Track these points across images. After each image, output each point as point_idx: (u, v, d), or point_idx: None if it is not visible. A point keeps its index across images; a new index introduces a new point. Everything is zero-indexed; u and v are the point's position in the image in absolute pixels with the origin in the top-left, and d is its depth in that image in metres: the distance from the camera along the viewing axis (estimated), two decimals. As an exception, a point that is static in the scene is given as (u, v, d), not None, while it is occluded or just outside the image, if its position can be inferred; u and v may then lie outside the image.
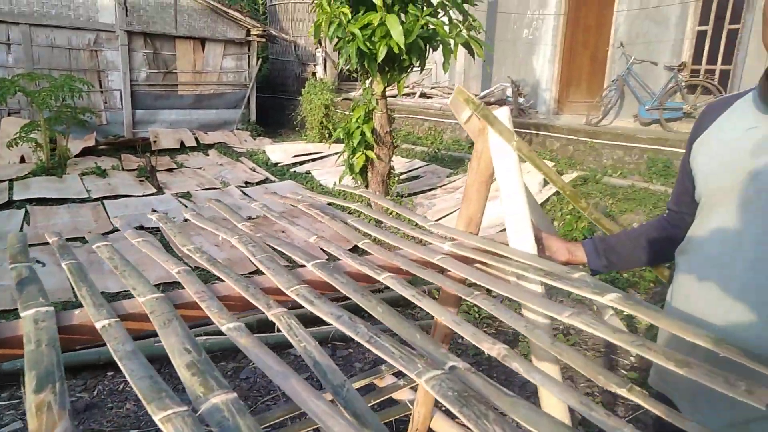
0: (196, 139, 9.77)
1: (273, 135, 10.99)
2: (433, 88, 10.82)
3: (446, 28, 4.59)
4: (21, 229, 5.13)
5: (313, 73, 11.80)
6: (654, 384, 1.28)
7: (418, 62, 4.90)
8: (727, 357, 0.75)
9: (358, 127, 5.10)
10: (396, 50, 4.31)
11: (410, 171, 7.19)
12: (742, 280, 1.05)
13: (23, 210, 5.66)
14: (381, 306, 0.98)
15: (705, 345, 0.80)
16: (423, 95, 10.86)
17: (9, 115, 8.82)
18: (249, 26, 10.66)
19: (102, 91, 9.75)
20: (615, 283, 3.93)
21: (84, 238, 4.87)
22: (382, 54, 4.37)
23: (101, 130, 9.67)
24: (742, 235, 1.06)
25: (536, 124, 8.26)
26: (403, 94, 11.15)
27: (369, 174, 5.37)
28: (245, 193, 6.60)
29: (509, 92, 9.29)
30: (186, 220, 5.51)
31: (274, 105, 12.71)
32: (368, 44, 4.44)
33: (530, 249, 1.46)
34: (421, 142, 9.07)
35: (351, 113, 5.17)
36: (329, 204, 1.99)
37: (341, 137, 5.24)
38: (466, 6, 4.85)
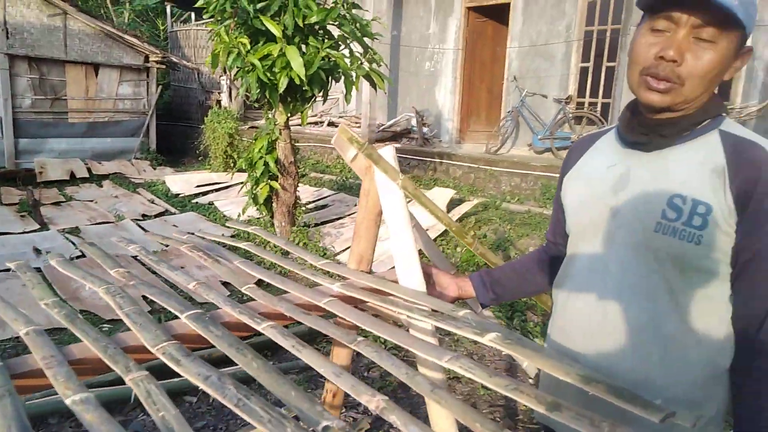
0: (89, 170, 9.15)
1: (175, 164, 10.55)
2: (340, 117, 10.91)
3: (347, 60, 4.65)
4: None
5: (218, 101, 11.52)
6: (540, 418, 1.31)
7: (321, 93, 4.91)
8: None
9: (261, 157, 5.00)
10: (297, 81, 4.30)
11: (318, 200, 7.14)
12: (610, 313, 1.09)
13: None
14: (257, 361, 0.93)
15: (575, 383, 0.82)
16: (331, 124, 10.91)
17: None
18: (147, 52, 10.24)
19: (-22, 119, 8.90)
20: (514, 305, 4.08)
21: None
22: (283, 85, 4.34)
23: (-23, 160, 8.82)
24: (606, 269, 1.11)
25: (440, 153, 8.54)
26: (311, 123, 11.16)
27: (274, 204, 5.27)
28: (142, 227, 6.23)
29: (414, 122, 9.56)
30: (74, 258, 5.10)
31: (177, 133, 12.24)
32: (269, 75, 4.39)
33: (419, 286, 1.46)
34: (330, 170, 9.08)
35: (255, 142, 5.07)
36: (222, 242, 1.90)
37: (244, 167, 5.11)
38: (367, 39, 4.95)
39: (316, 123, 11.08)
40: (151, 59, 10.27)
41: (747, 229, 0.97)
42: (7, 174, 8.53)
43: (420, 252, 1.48)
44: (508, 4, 8.52)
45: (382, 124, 9.74)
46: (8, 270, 4.85)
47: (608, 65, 7.79)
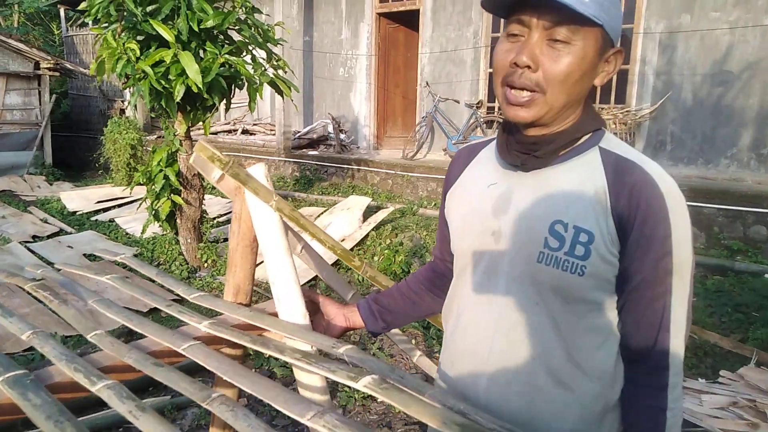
0: (-28, 188, 8.29)
1: (75, 179, 9.79)
2: (255, 124, 10.57)
3: (250, 67, 4.44)
4: None
5: (122, 110, 10.84)
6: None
7: (224, 101, 4.66)
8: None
9: (161, 170, 4.68)
10: (195, 89, 4.04)
11: (228, 213, 6.82)
12: (496, 348, 1.01)
13: None
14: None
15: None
16: (245, 132, 10.55)
17: None
18: (38, 58, 9.45)
19: None
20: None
21: None
22: (179, 93, 4.06)
23: None
24: (491, 301, 1.02)
25: (357, 159, 8.45)
26: (225, 131, 10.75)
27: (178, 221, 4.95)
28: (31, 250, 5.68)
29: (330, 128, 9.41)
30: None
31: (77, 145, 11.39)
32: (163, 82, 4.10)
33: (300, 319, 1.33)
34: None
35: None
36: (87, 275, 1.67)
37: (142, 181, 4.76)
38: (276, 45, 4.76)
39: (229, 131, 10.68)
40: (42, 66, 9.49)
41: (630, 256, 0.91)
42: None
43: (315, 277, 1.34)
44: (418, 11, 8.58)
45: (298, 131, 9.53)
46: None
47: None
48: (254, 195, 1.31)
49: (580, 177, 0.94)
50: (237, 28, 4.38)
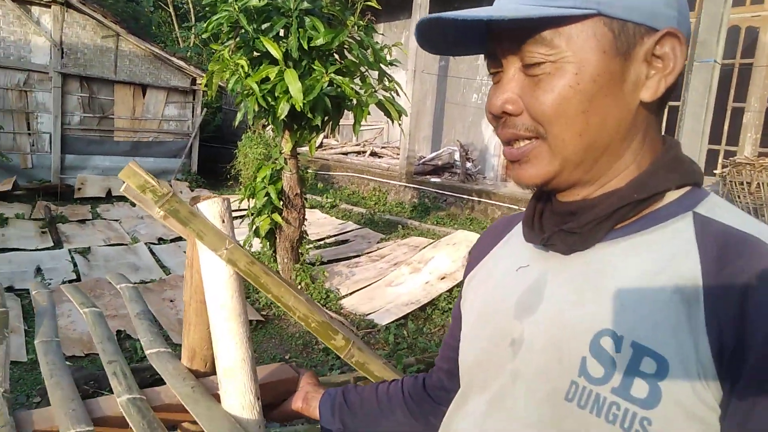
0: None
1: (216, 187, 10.50)
2: (383, 147, 10.56)
3: (358, 87, 4.24)
4: None
5: (264, 125, 11.48)
6: None
7: (330, 122, 4.53)
8: None
9: (264, 187, 4.65)
10: (298, 107, 3.92)
11: (340, 234, 6.73)
12: None
13: None
14: None
15: None
16: (373, 154, 10.58)
17: None
18: (194, 75, 10.34)
19: (30, 134, 9.20)
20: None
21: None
22: (282, 111, 3.97)
23: (26, 173, 9.08)
24: None
25: (479, 191, 7.97)
26: (355, 152, 10.87)
27: (277, 239, 4.88)
28: (152, 252, 6.03)
29: (457, 156, 9.04)
30: (66, 282, 4.90)
31: (224, 156, 12.27)
32: (269, 99, 4.05)
33: (241, 410, 0.98)
34: (364, 203, 8.68)
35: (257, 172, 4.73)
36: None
37: (245, 196, 4.77)
38: (386, 66, 4.54)
39: (358, 153, 10.79)
40: (198, 82, 10.36)
41: (745, 410, 0.49)
42: (48, 188, 8.69)
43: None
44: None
45: (423, 157, 9.29)
46: (8, 288, 4.72)
47: (671, 104, 7.01)
48: (198, 240, 0.98)
49: (652, 260, 0.57)
50: (348, 47, 4.22)
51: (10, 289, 4.60)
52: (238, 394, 1.00)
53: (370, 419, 0.93)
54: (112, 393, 1.02)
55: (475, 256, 0.81)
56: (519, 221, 0.74)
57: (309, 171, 10.10)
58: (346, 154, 10.75)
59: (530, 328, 0.63)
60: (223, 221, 1.03)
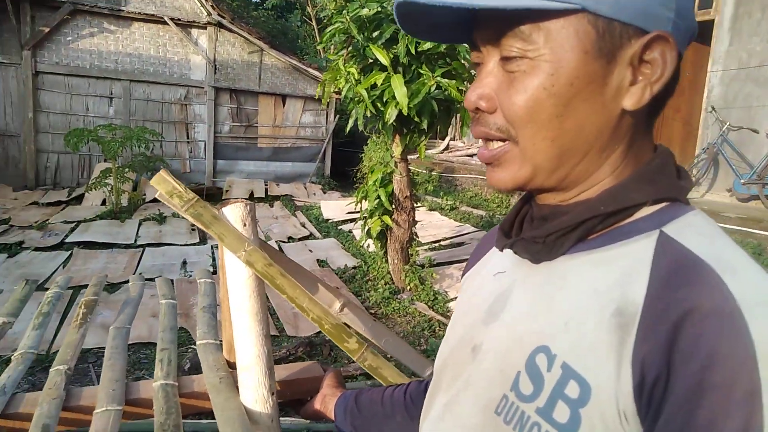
0: (266, 191, 10.01)
1: (346, 189, 10.99)
2: (510, 148, 10.28)
3: (465, 89, 4.19)
4: (54, 272, 5.37)
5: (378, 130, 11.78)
6: None
7: (442, 126, 4.53)
8: None
9: (376, 190, 4.79)
10: (405, 112, 3.99)
11: (455, 237, 6.68)
12: None
13: (69, 252, 5.97)
14: None
15: None
16: (500, 156, 10.34)
17: (105, 161, 9.63)
18: (329, 83, 10.93)
19: (188, 142, 10.41)
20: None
21: (108, 284, 4.97)
22: (390, 116, 4.07)
23: (185, 177, 10.27)
24: None
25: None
26: (468, 155, 10.72)
27: (388, 241, 5.00)
28: (282, 250, 6.49)
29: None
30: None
31: (356, 160, 12.81)
32: (379, 105, 4.17)
33: (255, 404, 1.05)
34: (486, 205, 8.52)
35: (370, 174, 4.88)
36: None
37: (358, 199, 4.96)
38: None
39: (471, 155, 10.61)
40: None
41: None
42: (201, 190, 9.76)
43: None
44: (712, 21, 7.09)
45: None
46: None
47: None
48: (220, 242, 1.06)
49: (605, 278, 0.53)
50: (456, 50, 4.19)
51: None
52: (252, 388, 1.06)
53: (376, 422, 0.95)
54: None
55: (474, 256, 0.81)
56: None
57: (434, 173, 10.19)
58: (471, 156, 10.64)
59: (489, 336, 0.63)
60: (245, 224, 1.10)
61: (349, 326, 1.19)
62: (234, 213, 1.09)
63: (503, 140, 0.57)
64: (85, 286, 4.53)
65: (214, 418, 1.24)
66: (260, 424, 1.05)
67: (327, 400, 1.06)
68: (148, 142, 7.90)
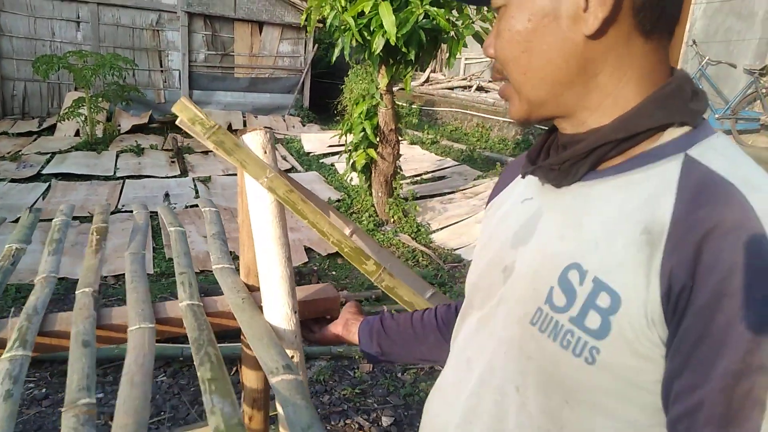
0: (245, 123, 9.83)
1: (326, 122, 10.84)
2: (490, 81, 10.18)
3: (454, 19, 4.12)
4: (34, 204, 5.29)
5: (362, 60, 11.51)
6: None
7: (427, 57, 4.47)
8: None
9: (361, 122, 4.77)
10: (393, 42, 3.92)
11: (437, 170, 6.75)
12: (463, 410, 0.71)
13: (48, 184, 5.87)
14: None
15: None
16: (480, 88, 10.26)
17: (75, 89, 9.26)
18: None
19: (162, 71, 10.04)
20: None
21: (89, 216, 4.94)
22: (377, 45, 4.00)
23: (160, 107, 9.97)
24: (472, 367, 0.72)
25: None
26: (461, 87, 10.62)
27: (372, 173, 5.03)
28: (264, 182, 6.47)
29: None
30: (189, 207, 5.47)
31: (335, 92, 12.56)
32: (366, 34, 4.08)
33: (281, 321, 1.12)
34: (466, 139, 8.55)
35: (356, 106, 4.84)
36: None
37: (343, 132, 4.94)
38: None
39: (464, 87, 10.52)
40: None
41: (683, 357, 0.50)
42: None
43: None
44: (701, -49, 6.97)
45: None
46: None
47: (831, 28, 5.99)
48: (242, 168, 1.10)
49: (632, 200, 0.57)
50: (445, -24, 4.08)
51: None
52: (277, 307, 1.13)
53: (406, 344, 1.01)
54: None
55: (499, 185, 0.85)
56: None
57: (414, 106, 10.09)
58: (452, 89, 10.53)
59: (520, 258, 0.67)
60: (265, 152, 1.13)
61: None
62: (255, 140, 1.11)
63: (500, 80, 0.66)
64: (73, 218, 4.51)
65: (233, 340, 1.32)
66: (285, 340, 1.12)
67: (349, 324, 1.11)
68: (122, 71, 7.60)
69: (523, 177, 0.71)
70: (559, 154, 0.64)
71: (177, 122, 1.12)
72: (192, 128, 1.10)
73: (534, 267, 0.64)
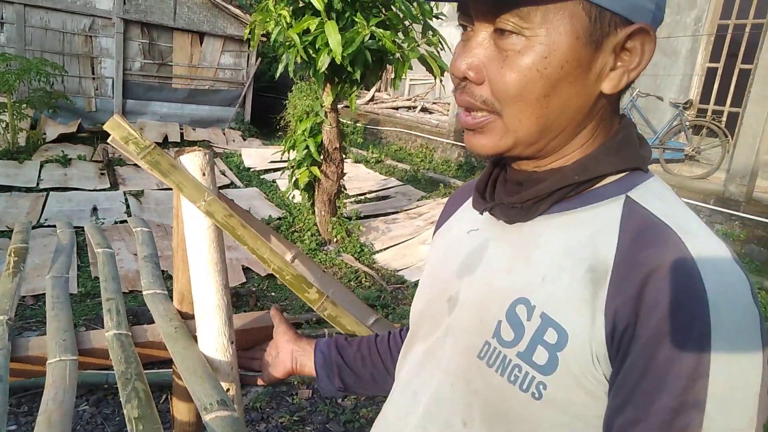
0: (182, 135, 9.52)
1: (268, 137, 10.68)
2: (434, 103, 10.39)
3: (399, 42, 4.16)
4: (-56, 215, 4.88)
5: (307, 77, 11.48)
6: None
7: (373, 77, 4.49)
8: None
9: (305, 140, 4.71)
10: (338, 60, 3.91)
11: (381, 190, 6.77)
12: None
13: (-40, 194, 5.43)
14: None
15: None
16: (424, 110, 10.44)
17: (-3, 94, 8.69)
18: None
19: (94, 78, 9.60)
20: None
21: (6, 230, 4.60)
22: (322, 63, 3.97)
23: (90, 116, 9.51)
24: (417, 399, 0.71)
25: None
26: (405, 107, 10.76)
27: (315, 192, 4.98)
28: (201, 197, 6.26)
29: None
30: (119, 222, 5.20)
31: (277, 107, 12.43)
32: (311, 51, 4.05)
33: (216, 353, 1.05)
34: (410, 159, 8.64)
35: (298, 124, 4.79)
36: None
37: (285, 149, 4.86)
38: (432, 20, 4.42)
39: (409, 108, 10.67)
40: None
41: (625, 394, 0.52)
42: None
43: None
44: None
45: (473, 115, 9.08)
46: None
47: (742, 67, 6.53)
48: (179, 191, 1.03)
49: (578, 238, 0.59)
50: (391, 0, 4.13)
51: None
52: (212, 337, 1.06)
53: (369, 372, 0.95)
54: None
55: (444, 215, 0.85)
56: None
57: (358, 125, 10.13)
58: (396, 108, 10.66)
59: (465, 288, 0.68)
60: (204, 174, 1.07)
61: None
62: (193, 162, 1.06)
63: (478, 109, 0.60)
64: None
65: (166, 367, 1.23)
66: (221, 372, 1.06)
67: (299, 356, 1.01)
68: (49, 76, 7.20)
69: (481, 213, 0.69)
70: (515, 191, 0.64)
71: (109, 140, 1.05)
72: (125, 147, 1.03)
73: (480, 298, 0.65)
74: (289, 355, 1.04)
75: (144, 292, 1.29)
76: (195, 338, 1.11)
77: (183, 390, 1.28)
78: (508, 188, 0.66)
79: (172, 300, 1.26)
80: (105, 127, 1.03)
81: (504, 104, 0.58)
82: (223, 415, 0.85)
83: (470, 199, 0.78)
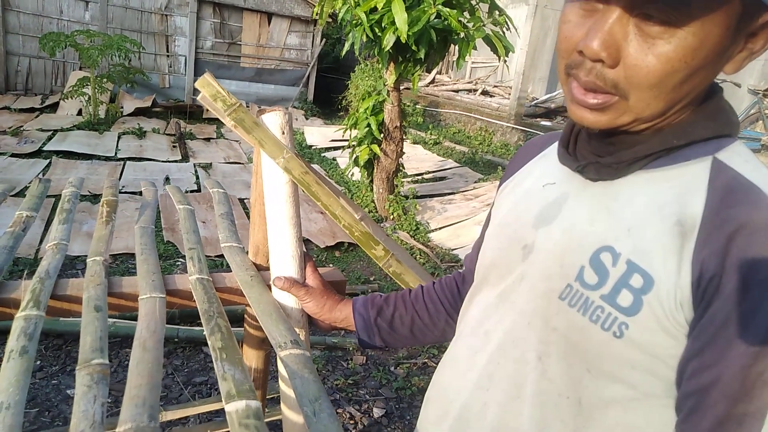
0: (248, 112, 9.82)
1: (329, 116, 10.86)
2: (495, 86, 10.22)
3: (465, 21, 4.14)
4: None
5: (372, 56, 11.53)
6: None
7: (437, 57, 4.49)
8: None
9: (367, 118, 4.78)
10: (403, 39, 3.94)
11: (438, 171, 6.77)
12: (469, 409, 0.74)
13: (48, 161, 5.86)
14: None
15: None
16: (485, 93, 10.30)
17: (80, 69, 9.23)
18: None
19: (168, 55, 10.03)
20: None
21: (91, 195, 4.94)
22: (387, 42, 4.01)
23: (164, 92, 9.97)
24: (489, 338, 0.74)
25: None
26: (466, 90, 10.66)
27: (374, 170, 5.05)
28: (264, 172, 6.48)
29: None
30: (189, 192, 5.47)
31: (340, 87, 12.59)
32: (377, 30, 4.09)
33: (290, 302, 1.14)
34: (468, 142, 8.58)
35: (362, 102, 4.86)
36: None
37: (348, 127, 4.95)
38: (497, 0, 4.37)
39: (470, 90, 10.55)
40: (319, 12, 10.57)
41: (704, 338, 0.55)
42: (182, 107, 9.52)
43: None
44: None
45: (536, 98, 8.89)
46: (139, 192, 5.38)
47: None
48: (260, 147, 1.11)
49: (665, 193, 0.61)
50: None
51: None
52: (283, 293, 1.14)
53: (413, 331, 1.01)
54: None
55: (511, 168, 0.88)
56: (556, 141, 0.78)
57: (418, 106, 10.12)
58: (457, 91, 10.57)
59: (542, 237, 0.70)
60: (283, 133, 1.14)
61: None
62: (274, 120, 1.13)
63: (603, 92, 0.58)
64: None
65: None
66: (292, 318, 1.14)
67: (332, 308, 1.08)
68: (128, 52, 7.58)
69: (573, 171, 0.69)
70: (614, 153, 0.64)
71: (198, 98, 1.14)
72: (213, 104, 1.11)
73: (562, 246, 0.67)
74: (320, 301, 1.10)
75: (222, 245, 1.39)
76: (269, 287, 1.20)
77: (253, 336, 1.39)
78: (594, 145, 0.67)
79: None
80: (196, 85, 1.11)
81: (636, 91, 0.57)
82: (297, 353, 0.93)
83: (541, 154, 0.82)
